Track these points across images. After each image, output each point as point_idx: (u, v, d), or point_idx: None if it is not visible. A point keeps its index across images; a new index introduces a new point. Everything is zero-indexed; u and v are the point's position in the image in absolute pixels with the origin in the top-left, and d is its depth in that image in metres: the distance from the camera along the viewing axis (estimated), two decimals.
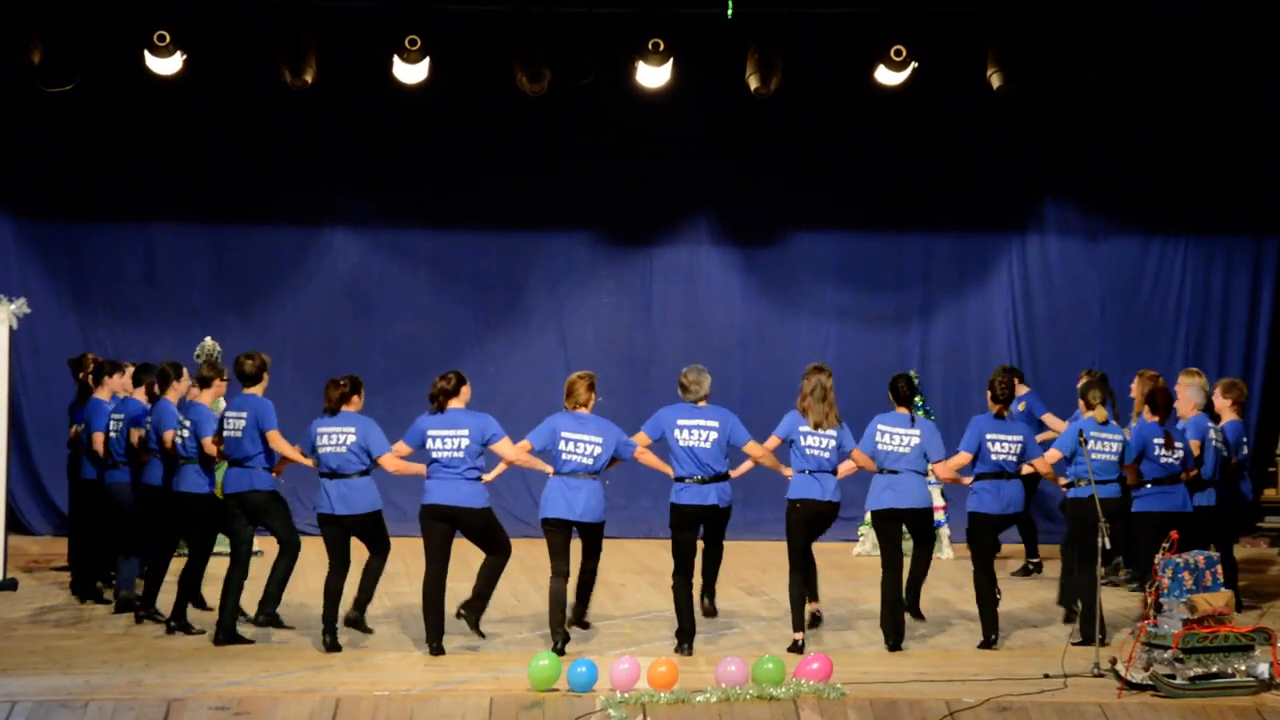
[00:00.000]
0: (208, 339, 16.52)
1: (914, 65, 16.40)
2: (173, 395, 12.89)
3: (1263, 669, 10.77)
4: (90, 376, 14.01)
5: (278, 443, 12.11)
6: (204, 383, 12.66)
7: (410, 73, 16.36)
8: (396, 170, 18.50)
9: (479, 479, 11.85)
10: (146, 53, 15.98)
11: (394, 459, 11.99)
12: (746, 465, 12.25)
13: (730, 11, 16.10)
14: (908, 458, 12.19)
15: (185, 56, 16.10)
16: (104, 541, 13.55)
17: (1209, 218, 18.74)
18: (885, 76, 16.59)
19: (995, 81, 16.35)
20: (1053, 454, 12.48)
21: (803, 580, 12.09)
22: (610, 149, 18.45)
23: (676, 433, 11.83)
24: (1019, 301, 18.88)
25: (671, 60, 16.34)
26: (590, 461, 11.72)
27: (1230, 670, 10.73)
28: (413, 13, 16.14)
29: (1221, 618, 10.85)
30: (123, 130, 17.98)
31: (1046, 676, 11.03)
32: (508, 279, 18.78)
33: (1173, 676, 10.63)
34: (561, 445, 11.76)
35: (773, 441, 12.17)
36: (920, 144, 18.46)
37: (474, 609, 12.03)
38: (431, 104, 17.51)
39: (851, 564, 16.56)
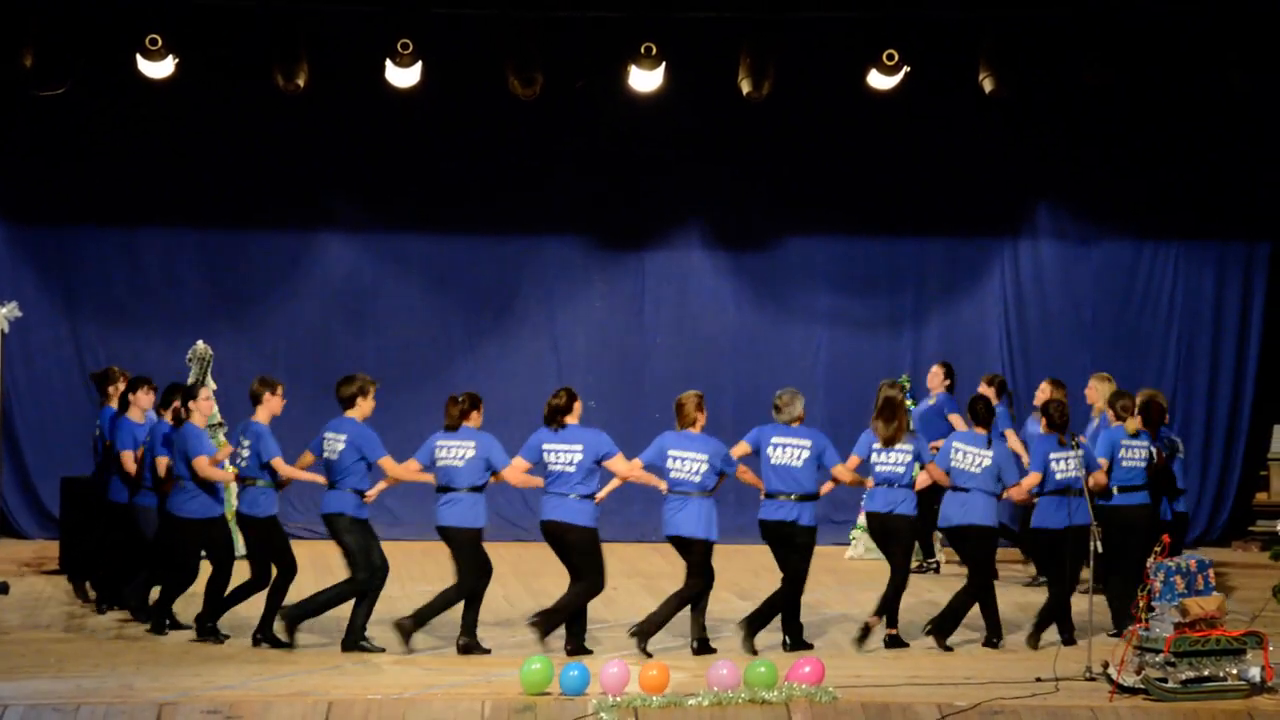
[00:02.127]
0: (200, 343, 16.50)
1: (906, 69, 16.39)
2: (198, 419, 12.68)
3: (1254, 673, 10.78)
4: (122, 393, 13.55)
5: (391, 468, 12.21)
6: (256, 399, 12.56)
7: (403, 77, 16.35)
8: (389, 174, 18.48)
9: (591, 496, 12.09)
10: (139, 56, 15.96)
11: (516, 472, 12.24)
12: (829, 486, 12.55)
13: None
14: (979, 478, 12.51)
15: (177, 60, 16.07)
16: (134, 566, 13.24)
17: (1201, 223, 18.74)
18: (877, 81, 16.59)
19: (988, 86, 16.35)
20: (1103, 464, 12.82)
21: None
22: (603, 153, 18.44)
23: (770, 450, 12.23)
24: (1011, 306, 18.88)
25: (664, 64, 16.34)
26: (697, 479, 12.04)
27: (1222, 674, 10.74)
28: (405, 16, 16.12)
29: (1213, 621, 10.86)
30: (115, 134, 17.94)
31: (1039, 680, 11.03)
32: (500, 283, 18.77)
33: (1164, 680, 10.63)
34: (669, 463, 12.09)
35: (853, 461, 12.61)
36: (913, 148, 18.46)
37: (548, 622, 12.14)
38: (424, 108, 17.50)
39: (844, 568, 16.56)
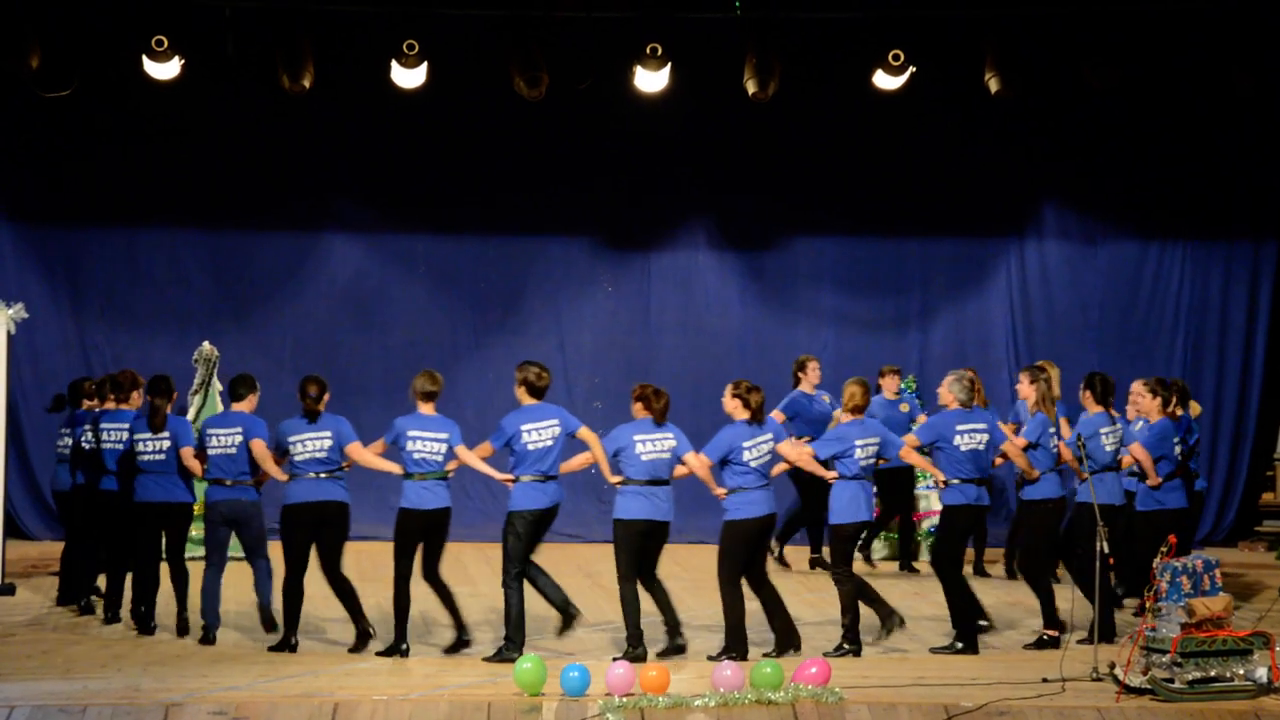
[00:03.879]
0: (205, 344, 16.53)
1: (912, 70, 16.40)
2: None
3: (1261, 673, 10.77)
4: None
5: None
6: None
7: (408, 77, 16.35)
8: (394, 175, 18.50)
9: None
10: (144, 57, 15.98)
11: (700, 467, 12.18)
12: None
13: (739, 7, 16.11)
14: (1111, 455, 12.83)
15: (183, 61, 16.09)
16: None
17: (1207, 222, 18.74)
18: (883, 81, 16.59)
19: (993, 86, 16.34)
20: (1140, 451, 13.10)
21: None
22: (608, 154, 18.45)
23: (957, 439, 12.28)
24: (1017, 306, 18.88)
25: (669, 65, 16.34)
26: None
27: (1229, 674, 10.73)
28: (411, 17, 16.13)
29: (1220, 622, 10.85)
30: (121, 135, 17.97)
31: (1045, 681, 11.02)
32: (506, 284, 18.78)
33: (1171, 681, 10.62)
34: (857, 452, 12.15)
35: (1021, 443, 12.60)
36: (919, 149, 18.46)
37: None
38: (430, 109, 17.51)
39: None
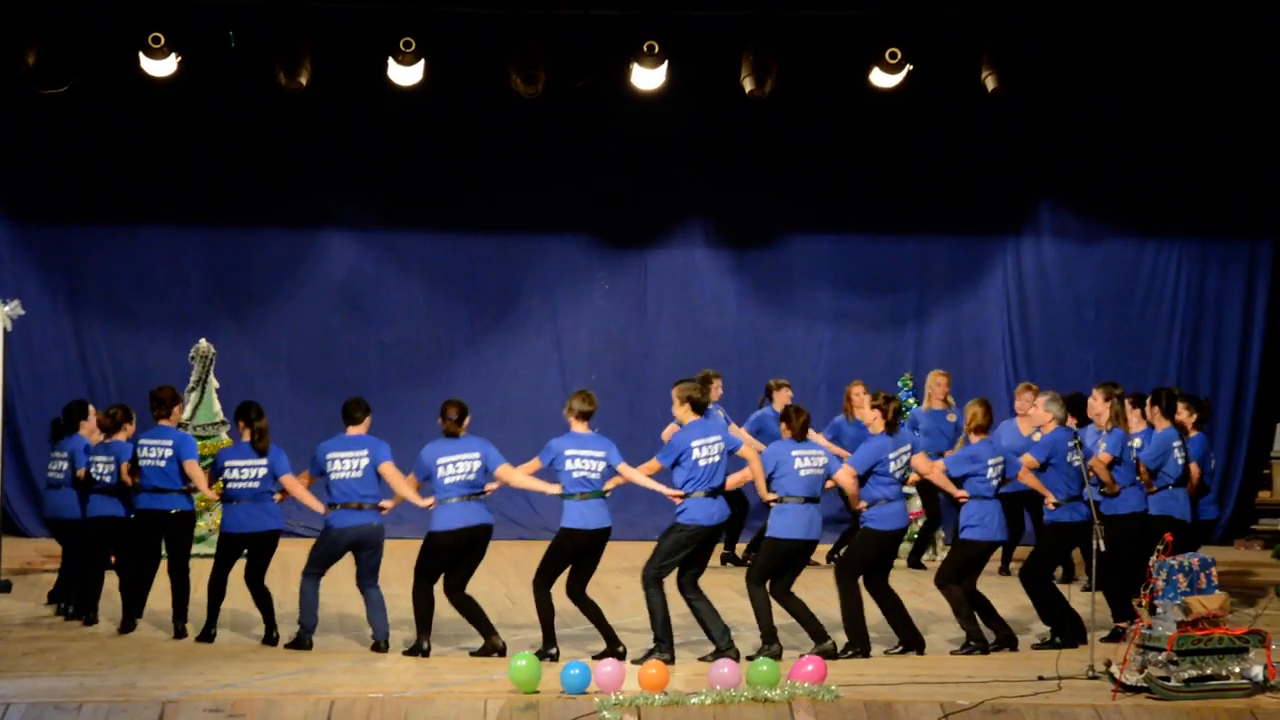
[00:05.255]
0: (202, 341, 16.53)
1: (909, 68, 16.41)
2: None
3: (1257, 671, 10.76)
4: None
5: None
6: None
7: (405, 75, 16.35)
8: (391, 173, 18.50)
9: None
10: (142, 55, 15.98)
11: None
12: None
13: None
14: (1182, 469, 13.07)
15: (180, 59, 16.09)
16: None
17: (1204, 221, 18.75)
18: (880, 79, 16.60)
19: (990, 84, 16.34)
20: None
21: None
22: (605, 152, 18.45)
23: (1070, 455, 12.29)
24: (1014, 305, 18.89)
25: (666, 63, 16.35)
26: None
27: (1225, 673, 10.73)
28: (408, 15, 16.14)
29: (1216, 620, 10.85)
30: (118, 132, 17.97)
31: (1041, 679, 11.02)
32: (503, 282, 18.79)
33: (1167, 679, 10.62)
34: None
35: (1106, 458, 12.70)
36: (915, 147, 18.47)
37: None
38: (427, 107, 17.50)
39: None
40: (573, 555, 11.91)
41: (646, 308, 18.90)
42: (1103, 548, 11.47)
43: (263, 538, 12.37)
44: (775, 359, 18.39)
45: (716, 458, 11.87)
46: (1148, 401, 13.26)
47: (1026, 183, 18.80)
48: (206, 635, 12.33)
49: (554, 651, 11.74)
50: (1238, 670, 10.75)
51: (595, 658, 11.65)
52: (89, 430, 13.39)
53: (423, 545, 12.06)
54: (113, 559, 13.07)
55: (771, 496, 11.99)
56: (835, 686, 10.50)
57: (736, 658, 11.51)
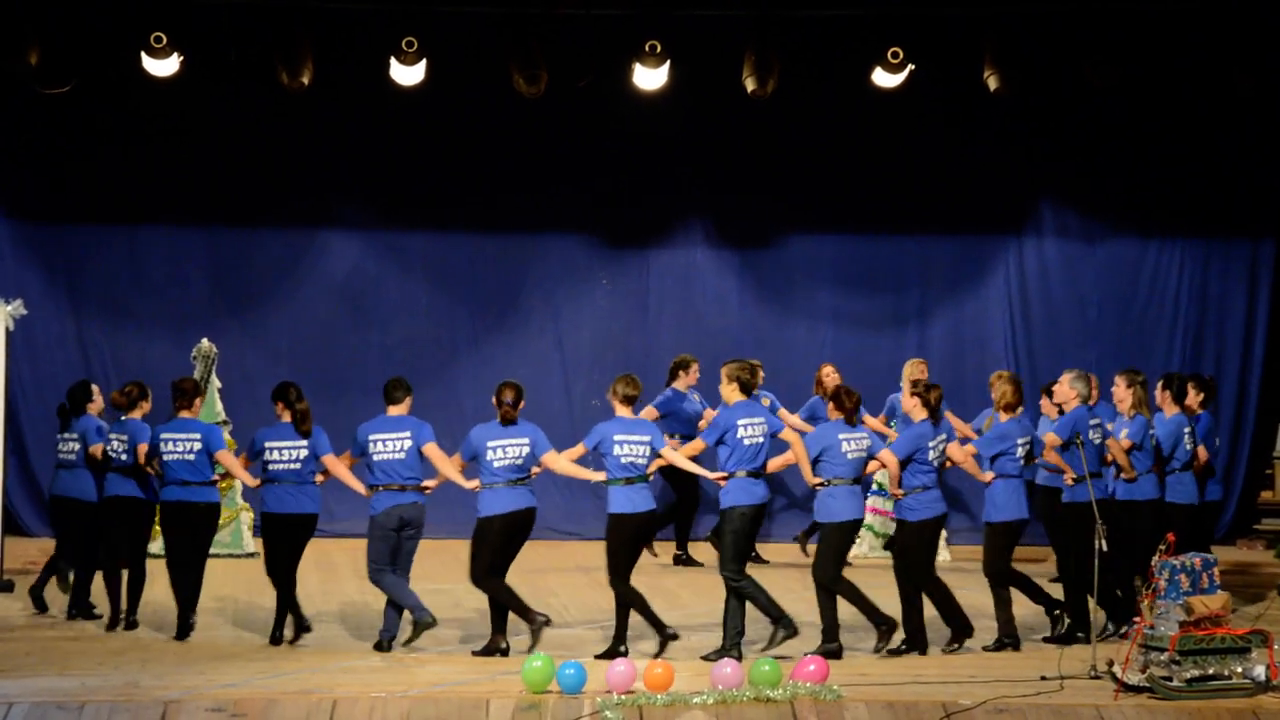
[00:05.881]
0: (205, 340, 16.52)
1: (911, 67, 16.41)
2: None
3: (1259, 671, 10.77)
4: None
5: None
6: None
7: (407, 75, 16.35)
8: (393, 172, 18.49)
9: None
10: (143, 54, 15.97)
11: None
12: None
13: None
14: (1190, 454, 13.24)
15: (182, 58, 16.08)
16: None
17: (1206, 220, 18.73)
18: (882, 79, 16.60)
19: (992, 84, 16.34)
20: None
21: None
22: (607, 151, 18.44)
23: (1091, 433, 12.49)
24: (1016, 304, 18.89)
25: (668, 62, 16.34)
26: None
27: (1227, 672, 10.73)
28: (410, 15, 16.13)
29: (1218, 620, 10.85)
30: (119, 132, 17.95)
31: (1043, 679, 11.02)
32: (504, 281, 18.78)
33: (1169, 679, 10.62)
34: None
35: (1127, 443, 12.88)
36: (917, 146, 18.45)
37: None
38: (429, 106, 17.49)
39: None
40: (630, 540, 11.91)
41: (648, 307, 18.90)
42: (1104, 548, 11.48)
43: (302, 520, 12.28)
44: (777, 358, 18.34)
45: (760, 439, 11.90)
46: (1159, 386, 13.38)
47: (1028, 182, 18.79)
48: (277, 637, 12.24)
49: (671, 632, 11.77)
50: (1240, 670, 10.76)
51: (597, 657, 11.66)
52: (96, 410, 13.30)
53: (474, 534, 12.05)
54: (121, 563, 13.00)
55: (816, 481, 12.03)
56: (837, 686, 10.50)
57: (739, 657, 11.52)
